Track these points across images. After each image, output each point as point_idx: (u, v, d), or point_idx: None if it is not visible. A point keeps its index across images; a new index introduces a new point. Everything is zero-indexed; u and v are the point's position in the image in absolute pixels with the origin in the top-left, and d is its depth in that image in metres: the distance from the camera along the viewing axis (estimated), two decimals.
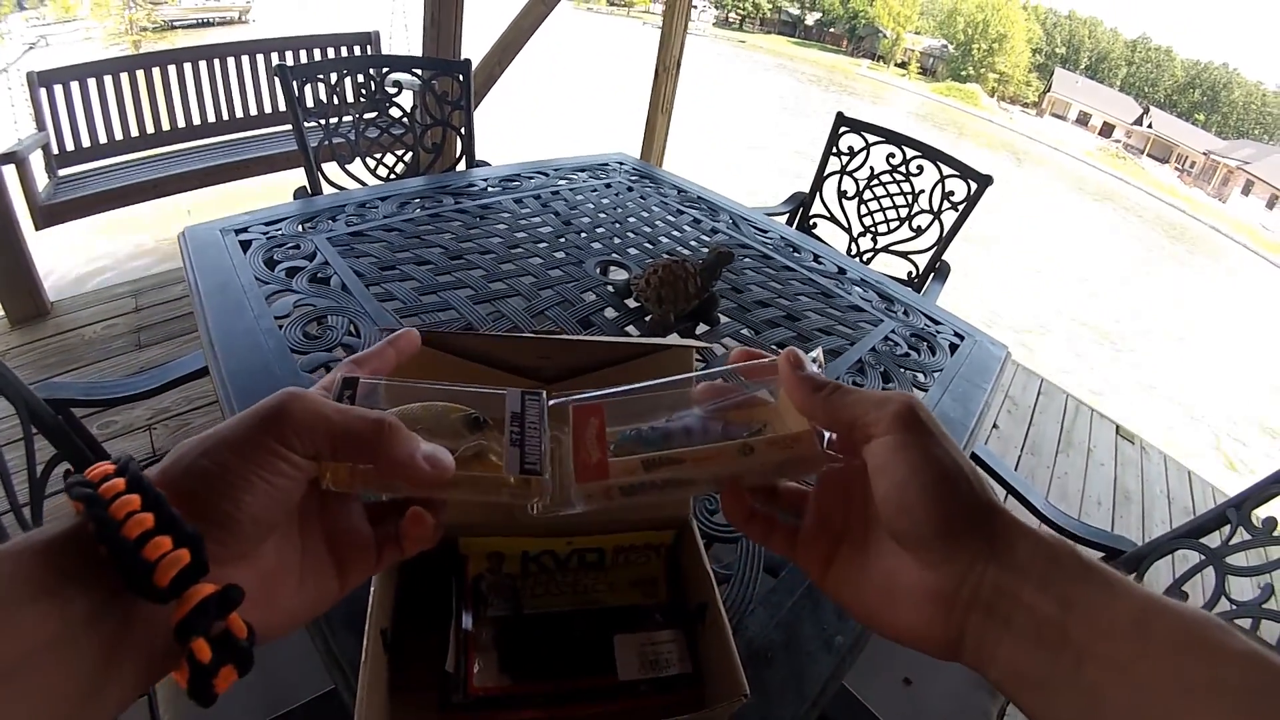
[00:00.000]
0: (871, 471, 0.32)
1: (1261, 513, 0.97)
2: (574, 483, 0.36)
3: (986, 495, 0.30)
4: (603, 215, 1.56)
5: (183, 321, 2.40)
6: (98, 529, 0.24)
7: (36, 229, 2.27)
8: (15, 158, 2.10)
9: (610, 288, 1.25)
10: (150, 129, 2.68)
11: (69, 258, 2.89)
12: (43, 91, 2.34)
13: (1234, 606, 0.95)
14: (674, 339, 0.86)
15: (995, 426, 2.83)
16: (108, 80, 2.50)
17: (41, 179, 2.33)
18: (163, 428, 1.95)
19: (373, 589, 0.50)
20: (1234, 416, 6.29)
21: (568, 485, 0.37)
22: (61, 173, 2.44)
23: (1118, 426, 3.17)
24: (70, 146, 2.45)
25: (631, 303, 1.21)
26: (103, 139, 2.53)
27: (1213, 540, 1.02)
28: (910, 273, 1.97)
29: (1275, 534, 0.93)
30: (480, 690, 0.52)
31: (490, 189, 1.59)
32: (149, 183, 2.51)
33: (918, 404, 0.32)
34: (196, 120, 2.79)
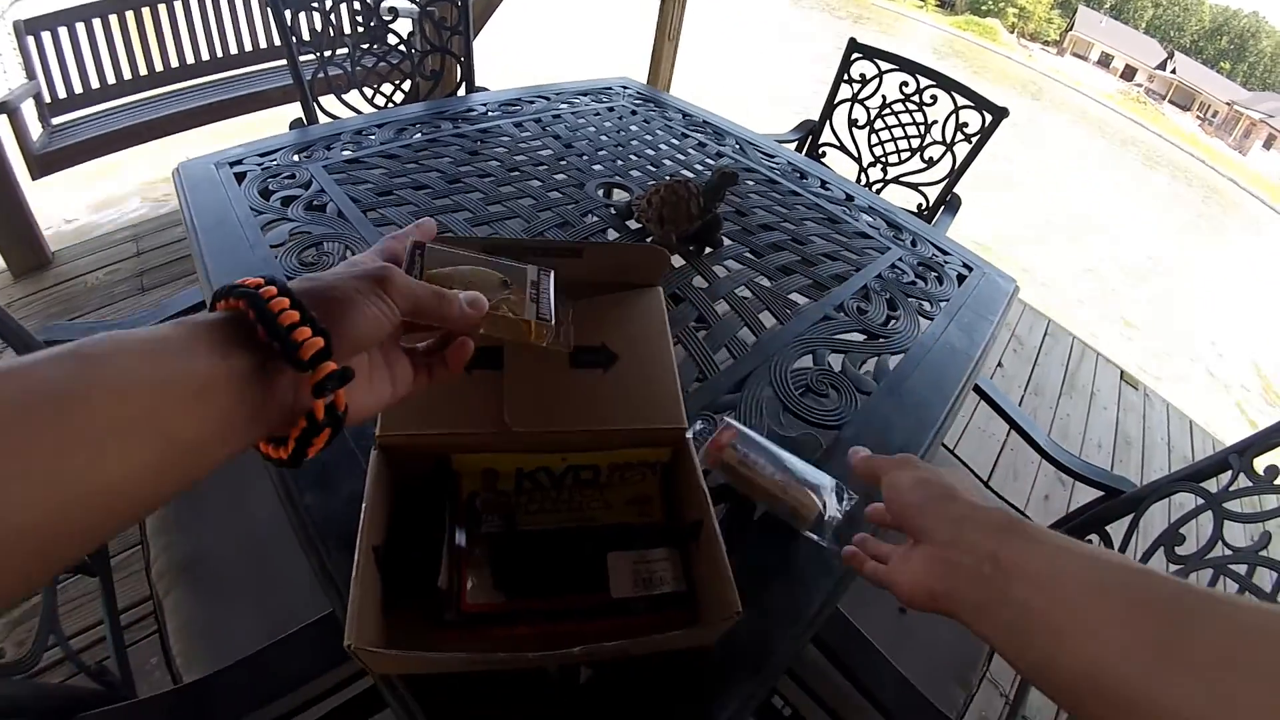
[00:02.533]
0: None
1: (1263, 461, 0.96)
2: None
3: (943, 493, 0.47)
4: (604, 139, 1.52)
5: (185, 263, 2.38)
6: (259, 316, 0.32)
7: (33, 178, 2.22)
8: (6, 108, 2.04)
9: (611, 209, 1.22)
10: (143, 70, 2.59)
11: (68, 205, 2.87)
12: (30, 40, 2.25)
13: (1230, 552, 0.94)
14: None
15: (1000, 365, 2.82)
16: (96, 24, 2.41)
17: (35, 128, 2.27)
18: None
19: (365, 506, 0.50)
20: (1241, 369, 6.23)
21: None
22: (55, 121, 2.37)
23: (1122, 371, 3.15)
24: (62, 94, 2.37)
25: (633, 224, 1.19)
26: (95, 84, 2.45)
27: (1212, 485, 1.01)
28: (920, 205, 1.93)
29: (1276, 482, 0.92)
30: (473, 607, 0.53)
31: (490, 113, 1.55)
32: (144, 125, 2.45)
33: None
34: (190, 59, 2.71)
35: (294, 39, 1.62)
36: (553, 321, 0.48)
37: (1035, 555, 0.38)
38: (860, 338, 1.05)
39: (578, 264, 0.62)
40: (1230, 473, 0.98)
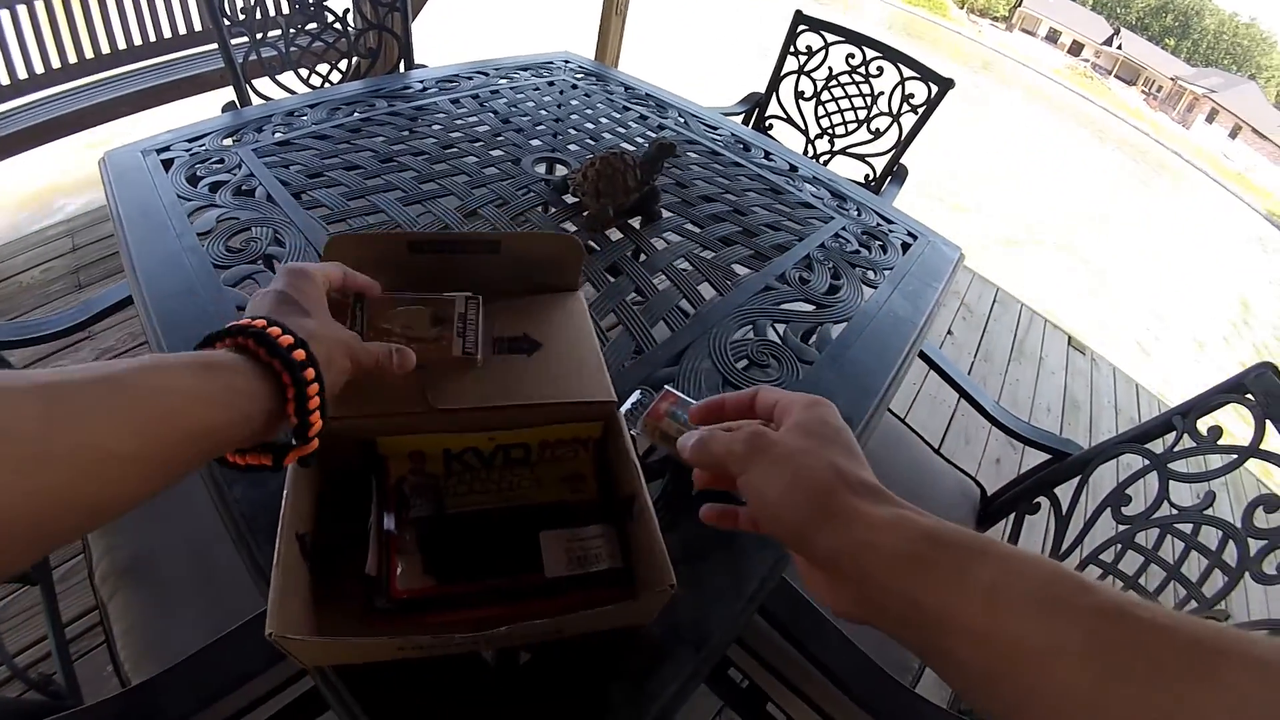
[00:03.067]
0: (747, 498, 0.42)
1: (1206, 421, 0.98)
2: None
3: (829, 501, 0.37)
4: (544, 113, 1.49)
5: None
6: (297, 396, 0.41)
7: None
8: None
9: (547, 184, 1.20)
10: (72, 58, 2.45)
11: None
12: None
13: (1175, 511, 0.96)
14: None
15: (950, 333, 2.87)
16: (21, 10, 2.25)
17: None
18: None
19: (286, 493, 0.48)
20: (1184, 335, 6.45)
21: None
22: None
23: (1069, 337, 3.23)
24: None
25: (569, 198, 1.17)
26: (22, 74, 2.29)
27: (1158, 446, 1.03)
28: (868, 175, 1.94)
29: (1219, 443, 0.95)
30: (404, 593, 0.51)
31: (427, 90, 1.50)
32: (75, 114, 2.33)
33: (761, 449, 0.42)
34: (122, 44, 2.56)
35: (225, 20, 1.55)
36: (478, 355, 0.60)
37: (963, 603, 0.30)
38: (803, 307, 1.04)
39: (497, 261, 0.64)
40: (1175, 434, 1.00)
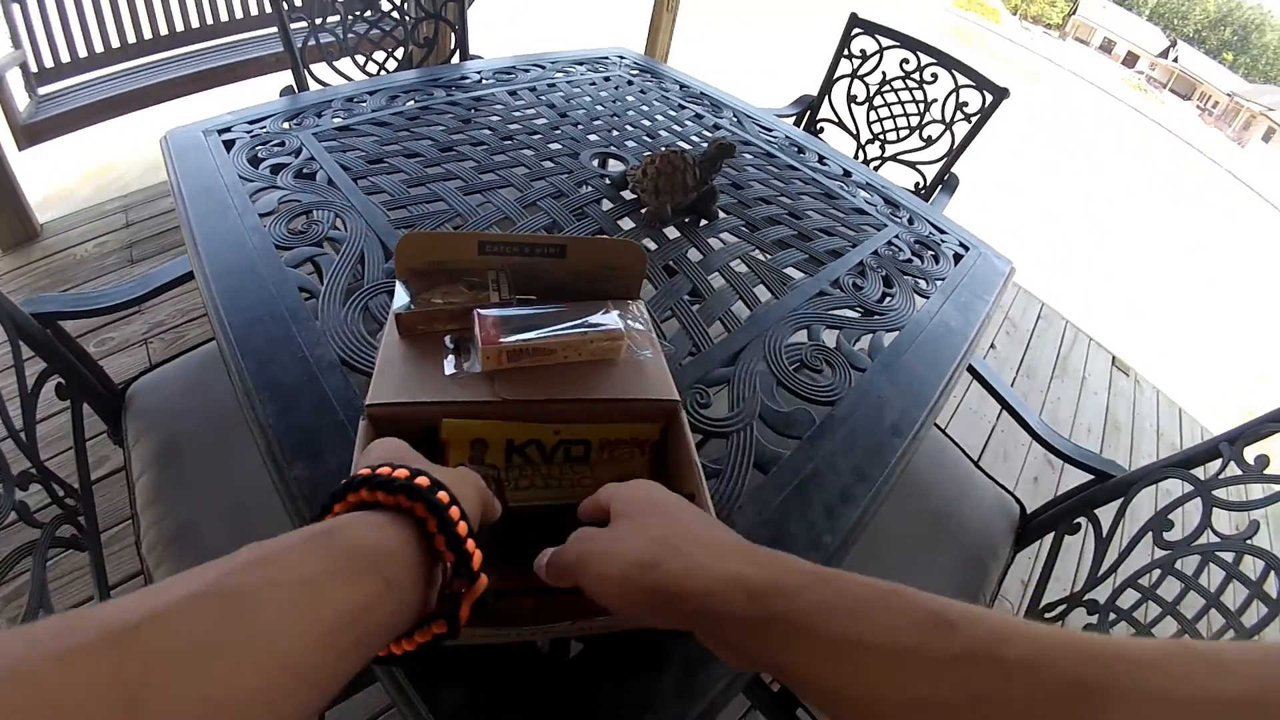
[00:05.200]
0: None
1: (1253, 450, 0.96)
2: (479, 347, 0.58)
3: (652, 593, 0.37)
4: (600, 108, 1.50)
5: (175, 234, 2.35)
6: (445, 532, 0.35)
7: (20, 149, 2.16)
8: None
9: (606, 179, 1.20)
10: (132, 38, 2.51)
11: (56, 177, 2.83)
12: (15, 7, 2.15)
13: (1218, 539, 0.94)
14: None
15: (993, 346, 2.82)
16: None
17: (22, 98, 2.20)
18: (159, 341, 1.94)
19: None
20: (1230, 361, 6.26)
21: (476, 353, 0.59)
22: (42, 90, 2.29)
23: (1114, 357, 3.15)
24: (49, 63, 2.28)
25: (628, 194, 1.17)
26: (83, 52, 2.36)
27: (1201, 473, 1.01)
28: (918, 183, 1.91)
29: (1266, 472, 0.92)
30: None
31: (484, 81, 1.52)
32: (133, 93, 2.39)
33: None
34: (180, 26, 2.63)
35: (285, 5, 1.58)
36: (513, 298, 0.63)
37: (815, 662, 0.29)
38: (855, 314, 1.04)
39: (563, 265, 0.64)
40: (1221, 461, 0.98)
